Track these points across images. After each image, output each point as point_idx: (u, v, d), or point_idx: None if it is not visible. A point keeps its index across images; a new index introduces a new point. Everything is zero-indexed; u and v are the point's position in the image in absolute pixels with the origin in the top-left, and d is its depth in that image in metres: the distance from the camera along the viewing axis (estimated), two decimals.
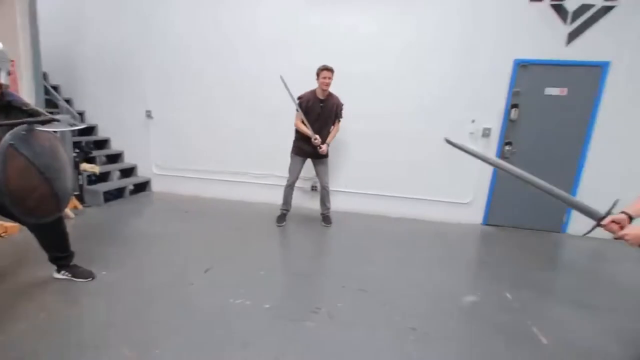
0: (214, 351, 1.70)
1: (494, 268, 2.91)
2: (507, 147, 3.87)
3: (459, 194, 4.08)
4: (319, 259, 3.02)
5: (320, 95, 3.35)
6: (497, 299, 2.36)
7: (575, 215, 3.80)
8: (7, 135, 1.61)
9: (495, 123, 3.86)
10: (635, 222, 1.49)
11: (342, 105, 3.49)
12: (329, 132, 3.47)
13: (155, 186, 4.82)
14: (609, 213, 1.53)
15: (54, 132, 1.91)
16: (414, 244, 3.38)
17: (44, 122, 1.82)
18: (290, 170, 3.56)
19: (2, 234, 2.91)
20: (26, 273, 2.34)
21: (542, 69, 3.68)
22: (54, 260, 2.25)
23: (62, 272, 2.27)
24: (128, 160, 4.84)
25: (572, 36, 3.54)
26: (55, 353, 1.64)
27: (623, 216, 1.50)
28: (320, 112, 3.37)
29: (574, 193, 3.78)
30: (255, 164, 4.40)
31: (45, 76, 4.20)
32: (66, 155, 1.96)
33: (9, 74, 1.84)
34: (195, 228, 3.45)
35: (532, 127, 3.80)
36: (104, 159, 4.64)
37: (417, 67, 3.89)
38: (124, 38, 4.48)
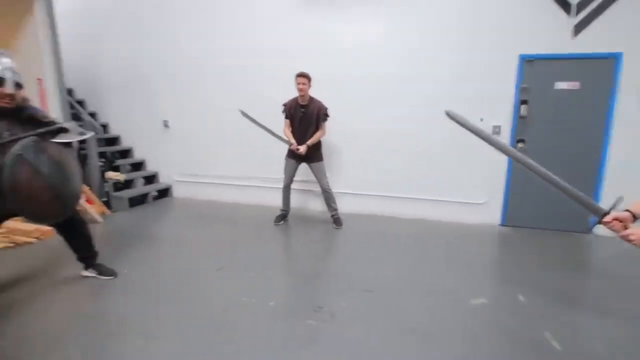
0: (220, 344, 1.82)
1: (508, 270, 2.85)
2: (519, 145, 3.79)
3: (473, 194, 4.02)
4: (327, 261, 3.10)
5: (301, 101, 3.51)
6: (509, 302, 2.30)
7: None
8: (17, 145, 1.80)
9: (504, 121, 3.80)
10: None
11: (326, 109, 3.59)
12: (311, 136, 3.59)
13: (177, 192, 5.08)
14: (611, 210, 1.42)
15: (67, 142, 2.10)
16: (425, 245, 3.38)
17: (53, 132, 2.03)
18: (285, 172, 3.74)
19: (39, 237, 3.21)
20: (59, 271, 2.59)
21: (550, 63, 3.59)
22: (81, 259, 2.47)
23: (89, 269, 2.50)
24: (150, 168, 5.14)
25: (579, 28, 3.43)
26: (82, 339, 1.84)
27: (627, 214, 1.39)
28: (302, 116, 3.54)
29: (597, 190, 3.62)
30: (269, 169, 4.53)
31: (70, 92, 4.56)
32: (76, 165, 2.14)
33: (20, 87, 2.01)
34: (210, 231, 3.64)
35: (545, 122, 3.71)
36: (128, 167, 4.95)
37: (421, 68, 3.90)
38: (141, 54, 4.80)
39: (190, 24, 4.53)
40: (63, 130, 2.09)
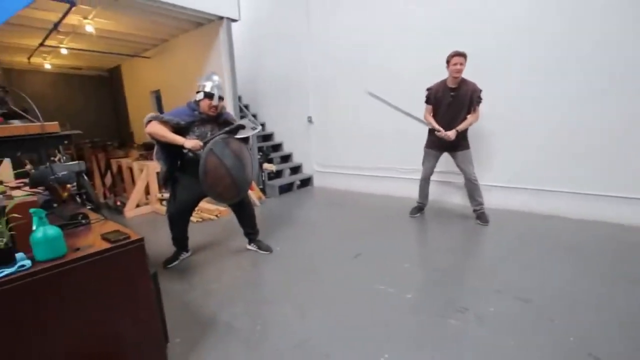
0: (356, 327, 1.88)
1: None
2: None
3: None
4: (470, 259, 2.78)
5: (451, 84, 3.12)
6: None
7: None
8: (210, 143, 2.36)
9: None
10: None
11: (480, 90, 3.11)
12: (461, 122, 3.18)
13: (317, 181, 5.55)
14: None
15: (244, 137, 2.61)
16: (600, 253, 2.63)
17: (235, 130, 2.55)
18: (424, 164, 3.49)
19: (218, 215, 4.05)
20: (230, 244, 3.21)
21: None
22: (246, 234, 2.99)
23: (252, 244, 2.99)
24: (296, 160, 5.78)
25: None
26: (243, 302, 2.21)
27: None
28: (450, 101, 3.15)
29: None
30: (402, 160, 4.41)
31: (240, 98, 5.55)
32: (250, 156, 2.64)
33: (222, 99, 2.54)
34: (348, 218, 3.83)
35: None
36: (278, 159, 5.70)
37: (607, 43, 2.97)
38: (291, 63, 5.44)
39: (331, 26, 4.82)
40: (241, 127, 2.60)
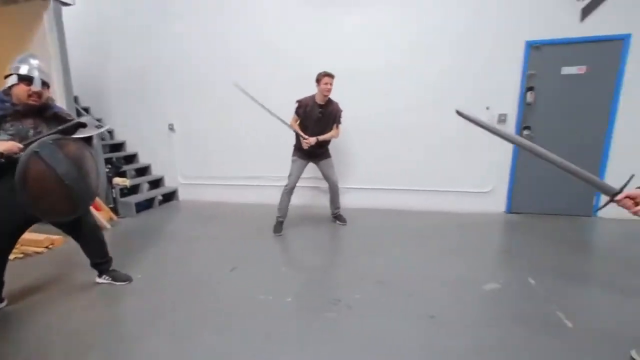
0: (241, 342, 1.81)
1: (517, 255, 2.87)
2: (525, 132, 3.78)
3: (479, 183, 4.03)
4: (337, 255, 3.10)
5: (320, 101, 3.38)
6: (520, 286, 2.34)
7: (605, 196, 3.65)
8: (35, 144, 1.85)
9: (510, 108, 3.79)
10: None
11: (341, 111, 3.51)
12: None
13: (182, 195, 5.08)
14: (623, 188, 1.51)
15: (88, 137, 2.13)
16: (434, 235, 3.38)
17: (72, 128, 2.07)
18: (291, 174, 3.51)
19: (50, 246, 3.20)
20: (74, 278, 2.58)
21: (557, 48, 3.58)
22: (95, 265, 2.46)
23: (103, 276, 2.48)
24: (155, 172, 5.14)
25: (586, 12, 3.42)
26: (104, 344, 1.82)
27: (638, 192, 1.50)
28: (319, 117, 3.40)
29: (601, 173, 3.64)
30: (272, 167, 4.52)
31: (76, 99, 4.56)
32: (95, 163, 2.18)
33: (47, 85, 2.01)
34: (219, 231, 3.63)
35: (551, 109, 3.69)
36: (133, 172, 4.94)
37: (425, 58, 3.89)
38: (147, 61, 4.79)
39: (194, 28, 4.52)
40: (81, 125, 2.11)
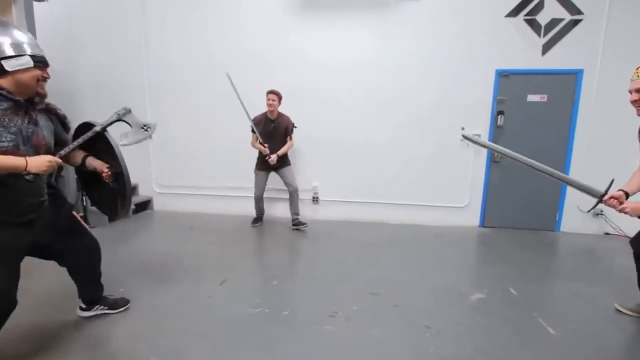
0: (239, 358, 1.77)
1: (495, 266, 3.06)
2: (496, 152, 4.09)
3: (455, 198, 4.27)
4: (327, 266, 3.10)
5: (271, 116, 3.74)
6: (503, 295, 2.50)
7: (567, 213, 4.03)
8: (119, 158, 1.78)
9: (483, 130, 4.10)
10: (631, 199, 1.81)
11: (293, 124, 3.85)
12: (280, 148, 3.78)
13: (157, 204, 4.85)
14: (607, 191, 1.80)
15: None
16: (416, 247, 3.52)
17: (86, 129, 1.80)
18: (256, 184, 3.94)
19: None
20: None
21: (523, 77, 3.96)
22: (94, 291, 2.09)
23: (95, 307, 2.10)
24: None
25: (547, 47, 3.85)
26: None
27: (620, 193, 1.81)
28: (271, 130, 3.76)
29: (562, 192, 4.03)
30: (251, 178, 4.45)
31: None
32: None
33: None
34: (202, 243, 3.52)
35: (518, 132, 4.05)
36: None
37: (409, 83, 4.12)
38: (117, 62, 4.60)
39: (171, 31, 4.44)
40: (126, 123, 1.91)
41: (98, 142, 1.80)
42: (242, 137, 4.27)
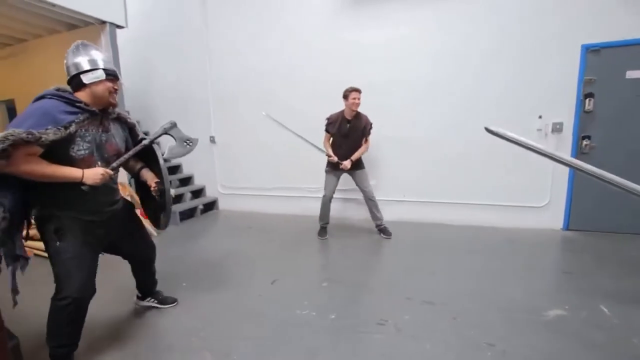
0: (284, 358, 1.76)
1: (581, 278, 2.59)
2: (584, 142, 3.48)
3: (533, 197, 3.74)
4: (380, 271, 2.97)
5: (348, 116, 3.43)
6: (590, 313, 2.09)
7: None
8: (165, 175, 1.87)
9: (566, 117, 3.51)
10: None
11: (371, 124, 3.51)
12: (355, 149, 3.49)
13: (222, 204, 5.21)
14: None
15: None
16: (482, 252, 3.16)
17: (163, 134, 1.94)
18: (326, 186, 3.61)
19: None
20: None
21: (619, 51, 3.28)
22: (144, 286, 2.29)
23: (148, 299, 2.31)
24: (197, 183, 5.32)
25: None
26: (150, 355, 1.86)
27: None
28: (347, 132, 3.44)
29: None
30: (310, 179, 4.51)
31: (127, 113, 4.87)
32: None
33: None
34: (258, 242, 3.65)
35: (615, 116, 3.38)
36: (177, 182, 5.15)
37: (474, 67, 3.73)
38: (187, 76, 5.06)
39: (229, 45, 4.71)
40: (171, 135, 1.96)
41: (150, 154, 1.94)
42: (300, 141, 4.33)
